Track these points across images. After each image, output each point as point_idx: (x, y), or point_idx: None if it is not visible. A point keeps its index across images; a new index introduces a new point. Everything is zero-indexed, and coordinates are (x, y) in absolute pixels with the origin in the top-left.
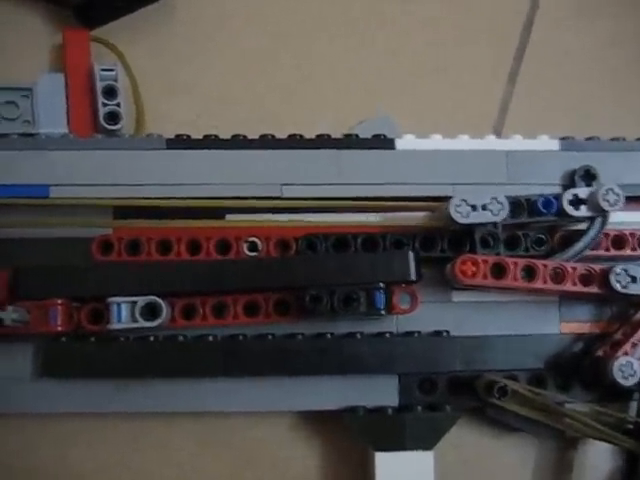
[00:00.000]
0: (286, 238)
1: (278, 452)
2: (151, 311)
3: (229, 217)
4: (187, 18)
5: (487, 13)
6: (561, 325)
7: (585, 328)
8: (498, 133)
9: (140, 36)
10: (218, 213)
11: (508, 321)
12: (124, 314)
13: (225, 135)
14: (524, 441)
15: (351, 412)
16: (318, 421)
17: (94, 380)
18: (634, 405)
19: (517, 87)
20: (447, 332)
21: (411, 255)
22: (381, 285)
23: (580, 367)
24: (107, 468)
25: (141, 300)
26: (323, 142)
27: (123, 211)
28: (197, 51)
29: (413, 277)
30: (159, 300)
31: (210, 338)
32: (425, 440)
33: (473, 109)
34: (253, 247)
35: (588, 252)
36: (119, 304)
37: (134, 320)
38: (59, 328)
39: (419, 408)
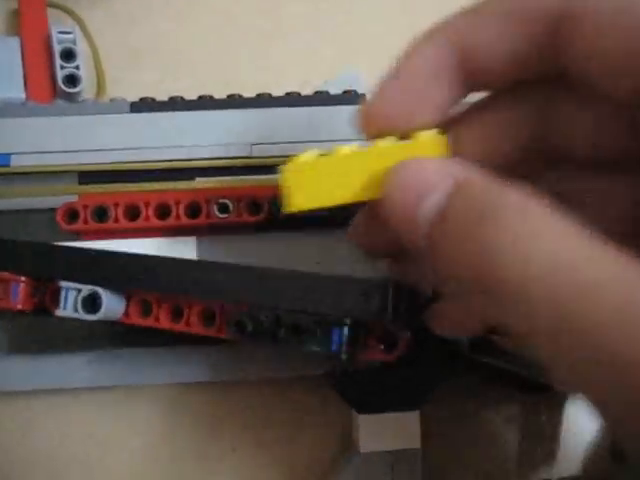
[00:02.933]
0: (258, 199)
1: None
2: (93, 303)
3: (199, 180)
4: None
5: None
6: None
7: None
8: None
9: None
10: (187, 174)
11: None
12: (70, 302)
13: (191, 97)
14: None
15: None
16: None
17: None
18: None
19: None
20: None
21: None
22: None
23: None
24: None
25: (85, 290)
26: (293, 100)
27: (88, 176)
28: (155, 14)
29: None
30: (101, 291)
31: None
32: None
33: None
34: (224, 209)
35: None
36: (67, 290)
37: (75, 310)
38: (19, 306)
39: None
